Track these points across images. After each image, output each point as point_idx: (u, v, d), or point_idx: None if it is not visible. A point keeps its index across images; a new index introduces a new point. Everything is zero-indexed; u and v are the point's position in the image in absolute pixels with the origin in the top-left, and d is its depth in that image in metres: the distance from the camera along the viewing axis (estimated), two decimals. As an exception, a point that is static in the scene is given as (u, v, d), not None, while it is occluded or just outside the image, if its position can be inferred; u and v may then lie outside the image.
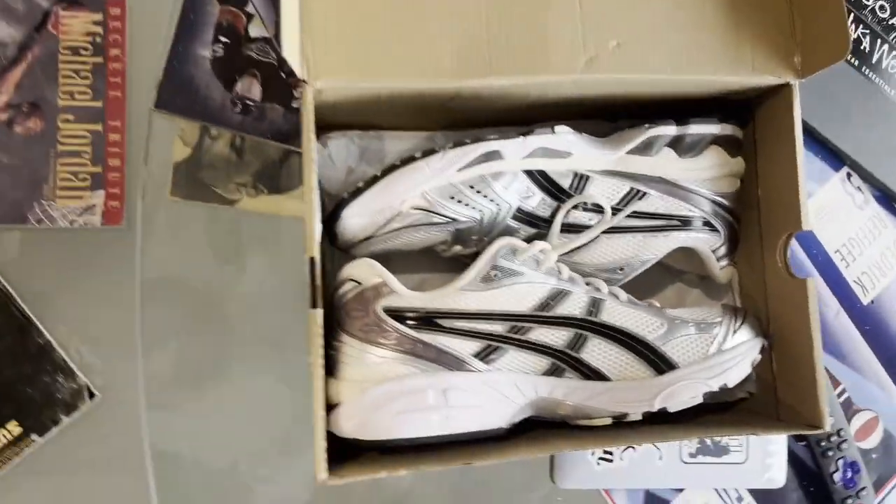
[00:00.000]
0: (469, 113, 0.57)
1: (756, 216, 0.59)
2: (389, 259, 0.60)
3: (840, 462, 0.68)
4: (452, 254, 0.56)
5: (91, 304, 0.62)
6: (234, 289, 0.64)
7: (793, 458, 0.68)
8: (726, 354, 0.53)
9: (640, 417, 0.52)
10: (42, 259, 0.62)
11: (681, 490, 0.67)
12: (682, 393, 0.52)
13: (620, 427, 0.53)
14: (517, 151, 0.52)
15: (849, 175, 0.74)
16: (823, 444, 0.68)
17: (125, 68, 0.63)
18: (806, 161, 0.72)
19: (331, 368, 0.51)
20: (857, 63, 0.73)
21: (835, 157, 0.73)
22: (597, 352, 0.52)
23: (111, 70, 0.62)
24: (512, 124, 0.56)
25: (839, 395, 0.71)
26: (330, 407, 0.51)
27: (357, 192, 0.52)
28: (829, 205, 0.73)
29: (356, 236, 0.53)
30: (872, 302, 0.73)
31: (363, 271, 0.52)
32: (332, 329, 0.52)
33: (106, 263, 0.62)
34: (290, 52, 0.45)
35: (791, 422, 0.56)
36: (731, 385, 0.53)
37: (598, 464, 0.64)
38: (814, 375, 0.52)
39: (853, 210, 0.74)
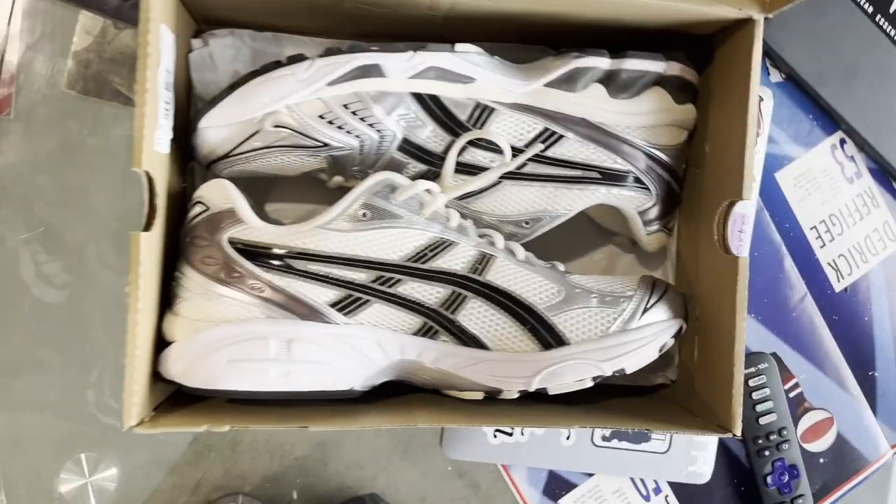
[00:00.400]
0: (374, 22, 0.49)
1: (701, 177, 0.50)
2: (274, 184, 0.53)
3: (777, 464, 0.61)
4: (335, 184, 0.48)
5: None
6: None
7: (724, 452, 0.61)
8: (630, 335, 0.45)
9: (515, 396, 0.45)
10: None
11: (590, 474, 0.60)
12: (566, 374, 0.44)
13: (496, 402, 0.46)
14: (403, 69, 0.43)
15: (842, 141, 0.64)
16: (760, 441, 0.61)
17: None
18: (794, 120, 0.63)
19: (170, 301, 0.45)
20: (870, 10, 0.61)
21: (828, 119, 0.63)
22: (475, 315, 0.44)
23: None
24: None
25: (791, 390, 0.63)
26: (166, 346, 0.44)
27: (214, 101, 0.44)
28: (812, 173, 0.63)
29: (213, 152, 0.45)
30: (846, 290, 0.64)
31: (214, 193, 0.44)
32: (177, 256, 0.45)
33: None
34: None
35: (703, 419, 0.48)
36: (628, 371, 0.45)
37: (495, 436, 0.57)
38: (731, 371, 0.44)
39: (841, 182, 0.64)
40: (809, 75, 0.61)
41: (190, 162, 0.49)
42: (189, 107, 0.51)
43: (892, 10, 0.62)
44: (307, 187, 0.51)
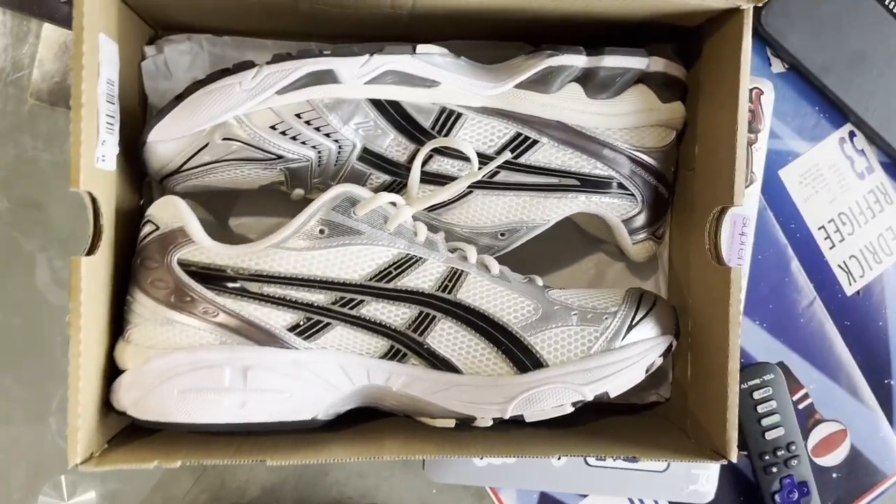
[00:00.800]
0: (337, 22, 0.45)
1: (692, 180, 0.46)
2: (237, 197, 0.50)
3: (785, 481, 0.57)
4: (297, 197, 0.45)
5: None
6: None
7: (728, 469, 0.57)
8: (614, 355, 0.42)
9: (489, 424, 0.42)
10: None
11: (584, 495, 0.57)
12: (543, 399, 0.41)
13: (471, 429, 0.43)
14: (358, 74, 0.40)
15: (851, 134, 0.59)
16: (767, 457, 0.57)
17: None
18: (798, 113, 0.59)
19: (122, 327, 0.42)
20: (880, -8, 0.57)
21: (835, 111, 0.59)
22: (446, 337, 0.41)
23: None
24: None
25: (800, 401, 0.59)
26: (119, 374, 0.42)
27: (161, 113, 0.41)
28: (819, 169, 0.59)
29: (164, 167, 0.42)
30: (858, 293, 0.59)
31: (164, 212, 0.42)
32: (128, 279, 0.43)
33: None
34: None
35: (697, 442, 0.45)
36: (612, 395, 0.42)
37: (481, 457, 0.54)
38: (724, 392, 0.41)
39: (851, 178, 0.59)
40: (813, 64, 0.57)
41: (146, 177, 0.47)
42: (146, 118, 0.48)
43: (903, -8, 0.58)
44: (273, 199, 0.48)
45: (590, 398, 0.41)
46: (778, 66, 0.58)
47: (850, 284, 0.59)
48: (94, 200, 0.40)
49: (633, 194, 0.45)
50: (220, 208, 0.49)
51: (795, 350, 0.59)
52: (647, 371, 0.42)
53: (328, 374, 0.41)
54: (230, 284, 0.40)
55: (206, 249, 0.41)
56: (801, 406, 0.59)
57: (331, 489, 0.57)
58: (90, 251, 0.40)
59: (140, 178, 0.47)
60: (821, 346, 0.59)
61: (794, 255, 0.59)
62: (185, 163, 0.42)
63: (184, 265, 0.41)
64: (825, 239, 0.59)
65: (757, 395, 0.56)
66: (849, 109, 0.58)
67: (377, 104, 0.41)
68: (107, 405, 0.42)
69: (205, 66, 0.48)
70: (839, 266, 0.59)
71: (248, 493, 0.56)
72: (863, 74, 0.57)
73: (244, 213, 0.50)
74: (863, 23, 0.57)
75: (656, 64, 0.43)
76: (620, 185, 0.44)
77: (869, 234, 0.59)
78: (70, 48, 0.54)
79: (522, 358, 0.41)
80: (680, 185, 0.48)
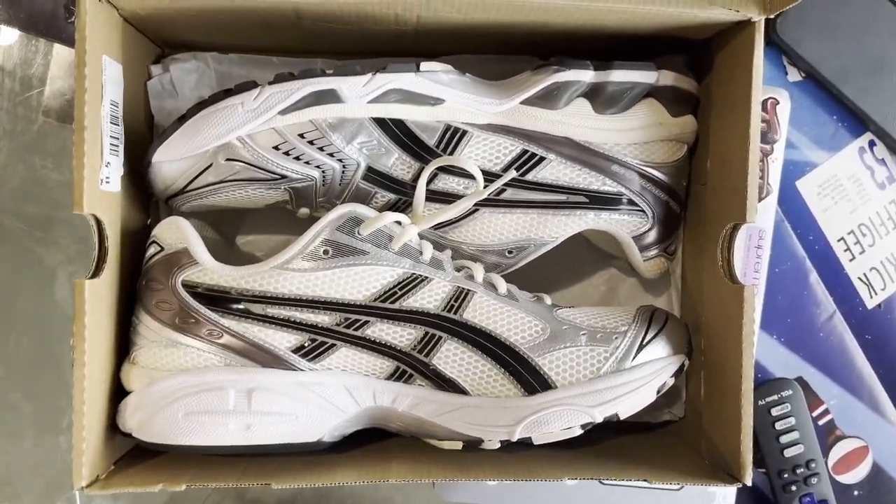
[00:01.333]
0: (342, 39, 0.45)
1: (704, 195, 0.45)
2: (244, 215, 0.50)
3: (805, 500, 0.55)
4: (303, 216, 0.45)
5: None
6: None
7: (746, 487, 0.56)
8: (624, 376, 0.41)
9: (497, 446, 0.41)
10: None
11: (598, 513, 0.56)
12: (552, 421, 0.40)
13: (478, 451, 0.42)
14: (361, 93, 0.40)
15: (871, 143, 0.58)
16: (786, 475, 0.55)
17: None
18: (816, 122, 0.57)
19: (128, 349, 0.42)
20: (899, -4, 0.56)
21: (854, 119, 0.57)
22: (452, 358, 0.41)
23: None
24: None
25: (820, 417, 0.57)
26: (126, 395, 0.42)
27: (165, 134, 0.41)
28: (838, 179, 0.58)
29: (169, 188, 0.42)
30: (880, 306, 0.58)
31: (168, 232, 0.41)
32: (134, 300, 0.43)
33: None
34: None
35: (711, 463, 0.43)
36: (623, 416, 0.41)
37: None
38: (738, 413, 0.40)
39: (871, 188, 0.58)
40: (831, 72, 0.56)
41: (153, 196, 0.47)
42: (152, 137, 0.48)
43: (922, -3, 0.56)
44: (280, 216, 0.48)
45: (599, 420, 0.40)
46: (794, 75, 0.57)
47: (872, 297, 0.58)
48: (98, 223, 0.40)
49: (643, 210, 0.44)
50: (227, 226, 0.49)
51: (815, 365, 0.57)
52: (658, 392, 0.41)
53: (333, 396, 0.41)
54: (234, 306, 0.40)
55: (210, 271, 0.40)
56: (821, 422, 0.57)
57: (346, 500, 0.56)
58: (94, 273, 0.40)
59: (147, 198, 0.47)
60: (841, 360, 0.58)
61: (812, 267, 0.57)
62: (189, 183, 0.41)
63: (188, 286, 0.40)
64: (845, 251, 0.58)
65: (775, 411, 0.55)
66: (868, 118, 0.56)
67: (381, 123, 0.41)
68: (113, 427, 0.41)
69: (211, 84, 0.48)
70: (859, 279, 0.58)
71: (265, 502, 0.56)
72: (882, 81, 0.56)
73: (251, 230, 0.50)
74: (881, 29, 0.56)
75: (666, 78, 0.42)
76: (630, 202, 0.43)
77: (890, 246, 0.58)
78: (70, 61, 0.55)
79: (530, 379, 0.40)
80: (692, 200, 0.47)
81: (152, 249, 0.42)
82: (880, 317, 0.58)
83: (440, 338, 0.40)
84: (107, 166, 0.40)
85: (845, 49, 0.56)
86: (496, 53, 0.48)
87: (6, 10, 0.50)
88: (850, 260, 0.58)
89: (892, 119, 0.56)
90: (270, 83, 0.39)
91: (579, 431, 0.41)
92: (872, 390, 0.58)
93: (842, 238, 0.58)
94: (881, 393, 0.58)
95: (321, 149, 0.40)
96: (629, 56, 0.43)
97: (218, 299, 0.40)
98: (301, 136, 0.40)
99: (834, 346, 0.58)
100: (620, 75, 0.41)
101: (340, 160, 0.41)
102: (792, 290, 0.57)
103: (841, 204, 0.58)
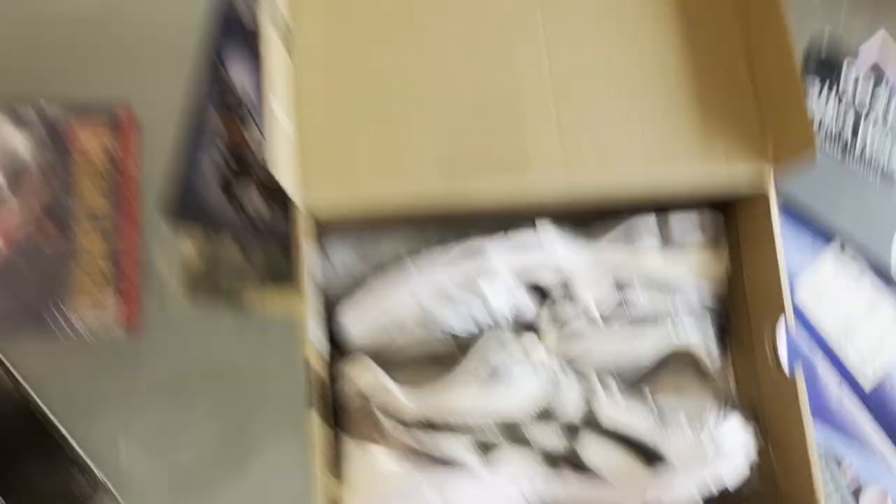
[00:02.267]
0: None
1: (744, 300, 0.61)
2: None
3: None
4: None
5: (113, 407, 0.64)
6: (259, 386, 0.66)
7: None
8: (722, 447, 0.53)
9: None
10: (61, 367, 0.64)
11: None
12: (676, 488, 0.52)
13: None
14: (499, 247, 0.55)
15: (842, 245, 0.74)
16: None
17: (136, 175, 0.66)
18: (796, 235, 0.74)
19: (333, 465, 0.53)
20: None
21: (825, 233, 0.74)
22: (594, 448, 0.53)
23: (125, 177, 0.66)
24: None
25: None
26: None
27: (352, 298, 0.54)
28: (825, 279, 0.73)
29: (356, 343, 0.55)
30: (874, 390, 0.72)
31: (359, 373, 0.54)
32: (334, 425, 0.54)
33: (124, 368, 0.65)
34: (282, 175, 0.48)
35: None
36: (728, 485, 0.53)
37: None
38: (811, 486, 0.52)
39: (849, 282, 0.74)
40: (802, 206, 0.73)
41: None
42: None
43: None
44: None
45: (713, 489, 0.53)
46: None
47: (866, 381, 0.72)
48: (308, 365, 0.51)
49: (707, 321, 0.59)
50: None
51: (834, 428, 0.71)
52: (748, 460, 0.54)
53: (505, 486, 0.53)
54: (418, 420, 0.52)
55: (400, 397, 0.53)
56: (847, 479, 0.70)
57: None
58: (310, 404, 0.51)
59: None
60: (853, 425, 0.71)
61: (821, 356, 0.72)
62: (380, 343, 0.55)
63: (384, 411, 0.53)
64: (836, 340, 0.72)
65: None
66: (836, 230, 0.73)
67: (513, 271, 0.55)
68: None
69: (355, 259, 0.61)
70: (853, 366, 0.72)
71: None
72: (843, 209, 0.73)
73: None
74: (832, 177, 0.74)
75: (706, 219, 0.59)
76: (694, 315, 0.59)
77: (869, 335, 0.73)
78: (203, 248, 0.67)
79: (654, 461, 0.53)
80: (732, 307, 0.62)
81: (347, 385, 0.54)
82: (877, 397, 0.71)
83: (582, 433, 0.53)
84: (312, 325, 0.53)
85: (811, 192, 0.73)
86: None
87: (185, 205, 0.64)
88: (844, 351, 0.72)
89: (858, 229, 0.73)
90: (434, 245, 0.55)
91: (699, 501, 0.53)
92: (883, 446, 0.71)
93: (832, 330, 0.72)
94: (891, 448, 0.71)
95: (475, 294, 0.55)
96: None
97: (409, 418, 0.52)
98: (460, 287, 0.54)
99: (845, 414, 0.71)
100: (677, 218, 0.58)
101: (490, 314, 0.56)
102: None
103: (828, 300, 0.73)
